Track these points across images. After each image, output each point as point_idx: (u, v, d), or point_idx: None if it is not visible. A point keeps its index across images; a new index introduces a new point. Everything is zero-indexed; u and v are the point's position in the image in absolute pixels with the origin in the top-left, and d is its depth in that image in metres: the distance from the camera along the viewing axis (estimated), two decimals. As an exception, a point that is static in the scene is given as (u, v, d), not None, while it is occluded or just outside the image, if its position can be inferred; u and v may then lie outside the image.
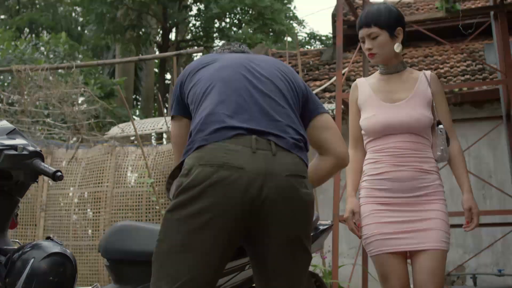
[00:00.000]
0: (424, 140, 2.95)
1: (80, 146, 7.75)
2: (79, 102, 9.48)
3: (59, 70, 10.00)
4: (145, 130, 9.68)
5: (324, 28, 60.87)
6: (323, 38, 21.99)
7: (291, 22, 20.68)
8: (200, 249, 2.00)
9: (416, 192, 2.87)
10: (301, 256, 2.12)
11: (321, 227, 2.85)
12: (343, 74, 6.45)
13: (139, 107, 21.76)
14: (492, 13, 6.78)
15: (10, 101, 8.50)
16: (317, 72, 11.26)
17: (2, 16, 23.20)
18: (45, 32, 22.12)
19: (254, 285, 2.33)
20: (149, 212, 7.10)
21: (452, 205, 8.04)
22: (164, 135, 10.47)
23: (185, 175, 2.04)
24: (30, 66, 7.59)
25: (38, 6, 24.01)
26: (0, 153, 2.29)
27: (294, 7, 33.18)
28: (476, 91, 8.12)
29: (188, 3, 19.15)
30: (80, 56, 19.25)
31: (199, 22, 19.09)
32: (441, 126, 2.98)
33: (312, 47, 20.59)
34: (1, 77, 14.30)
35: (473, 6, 8.96)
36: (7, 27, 20.48)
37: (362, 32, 2.97)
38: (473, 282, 7.99)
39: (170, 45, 18.88)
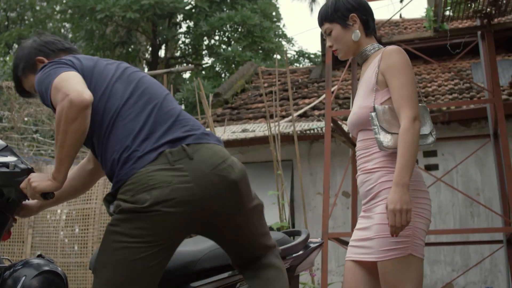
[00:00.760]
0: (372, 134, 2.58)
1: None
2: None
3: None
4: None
5: (313, 46, 61.27)
6: (312, 56, 22.11)
7: (280, 40, 20.80)
8: None
9: (367, 197, 2.59)
10: None
11: (312, 245, 2.85)
12: (332, 92, 6.49)
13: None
14: (479, 33, 6.87)
15: (-2, 117, 8.48)
16: (306, 90, 11.31)
17: (-9, 32, 23.18)
18: (34, 48, 22.02)
19: None
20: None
21: (440, 223, 8.13)
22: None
23: None
24: (20, 82, 7.56)
25: (27, 22, 24.02)
26: None
27: (283, 25, 33.36)
28: (464, 110, 8.18)
29: (178, 20, 19.24)
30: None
31: (188, 40, 19.16)
32: (372, 113, 2.53)
33: (301, 65, 20.69)
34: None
35: (460, 26, 9.06)
36: (-4, 42, 20.45)
37: (321, 33, 2.88)
38: (461, 300, 8.01)
39: (159, 62, 18.95)
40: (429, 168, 8.42)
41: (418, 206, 2.46)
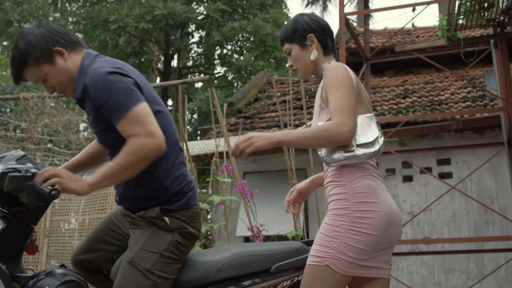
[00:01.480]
0: None
1: (84, 173, 7.78)
2: (81, 129, 9.53)
3: (64, 98, 10.07)
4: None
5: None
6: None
7: (292, 49, 20.75)
8: None
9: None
10: None
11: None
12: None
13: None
14: (492, 41, 6.87)
15: (13, 127, 8.57)
16: (318, 98, 11.31)
17: (5, 43, 23.35)
18: (47, 59, 22.22)
19: None
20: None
21: (455, 231, 8.11)
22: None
23: None
24: (37, 94, 7.67)
25: (41, 33, 24.19)
26: (5, 176, 2.34)
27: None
28: (477, 118, 8.16)
29: (190, 30, 19.33)
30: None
31: (200, 49, 19.23)
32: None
33: (313, 74, 20.67)
34: (6, 103, 14.39)
35: (472, 34, 9.06)
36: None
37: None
38: (476, 308, 7.98)
39: (172, 72, 19.03)
40: (443, 176, 8.40)
41: (356, 221, 2.41)
